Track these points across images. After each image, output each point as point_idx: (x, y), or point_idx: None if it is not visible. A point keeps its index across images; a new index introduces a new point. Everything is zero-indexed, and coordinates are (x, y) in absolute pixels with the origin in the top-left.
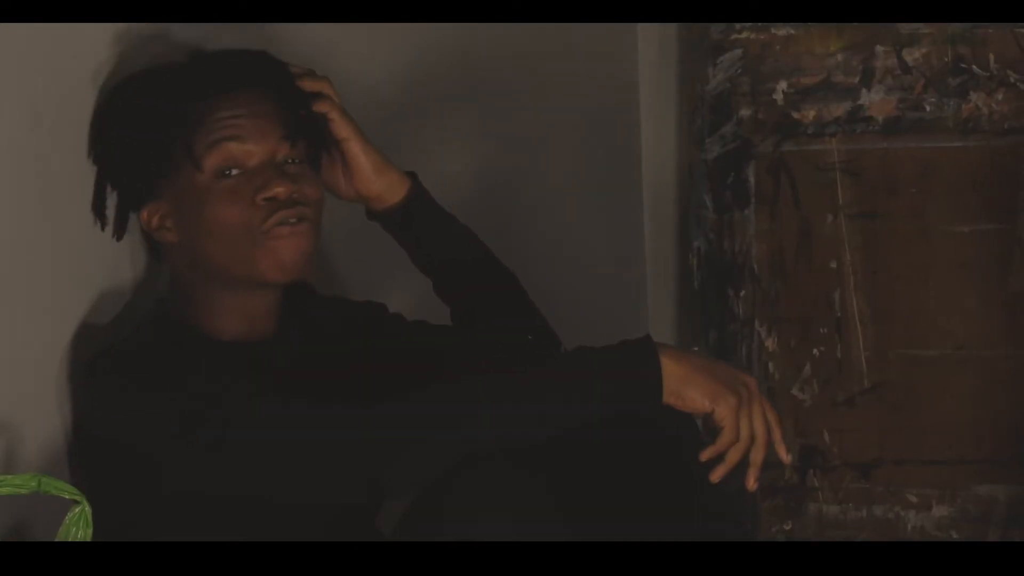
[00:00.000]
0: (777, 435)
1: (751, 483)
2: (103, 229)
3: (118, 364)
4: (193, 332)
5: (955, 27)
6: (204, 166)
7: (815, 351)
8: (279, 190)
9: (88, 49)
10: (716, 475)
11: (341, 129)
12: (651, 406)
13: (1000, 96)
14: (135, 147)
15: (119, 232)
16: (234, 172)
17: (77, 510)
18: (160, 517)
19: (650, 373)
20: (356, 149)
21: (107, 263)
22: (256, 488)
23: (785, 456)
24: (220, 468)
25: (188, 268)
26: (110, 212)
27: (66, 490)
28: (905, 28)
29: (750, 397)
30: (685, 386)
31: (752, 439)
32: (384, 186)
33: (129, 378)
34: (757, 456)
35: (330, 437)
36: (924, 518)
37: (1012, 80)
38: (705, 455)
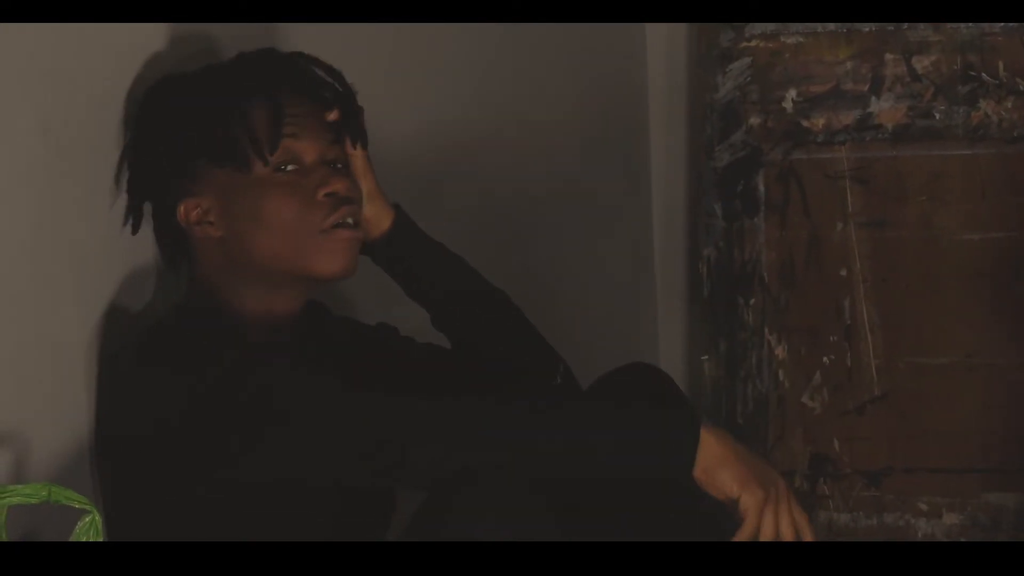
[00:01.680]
0: (807, 537)
1: None
2: (128, 227)
3: (143, 355)
4: (218, 324)
5: (964, 35)
6: (270, 158)
7: (825, 359)
8: (339, 186)
9: (96, 58)
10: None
11: (351, 148)
12: (677, 476)
13: (1009, 104)
14: (183, 140)
15: (135, 225)
16: (290, 167)
17: (87, 519)
18: (181, 511)
19: (687, 446)
20: (358, 170)
21: (121, 269)
22: (284, 470)
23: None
24: (249, 452)
25: (223, 264)
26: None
27: (76, 500)
28: (914, 36)
29: (778, 496)
30: (719, 467)
31: (776, 536)
32: (372, 212)
33: (154, 368)
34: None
35: (361, 417)
36: (934, 526)
37: (1021, 88)
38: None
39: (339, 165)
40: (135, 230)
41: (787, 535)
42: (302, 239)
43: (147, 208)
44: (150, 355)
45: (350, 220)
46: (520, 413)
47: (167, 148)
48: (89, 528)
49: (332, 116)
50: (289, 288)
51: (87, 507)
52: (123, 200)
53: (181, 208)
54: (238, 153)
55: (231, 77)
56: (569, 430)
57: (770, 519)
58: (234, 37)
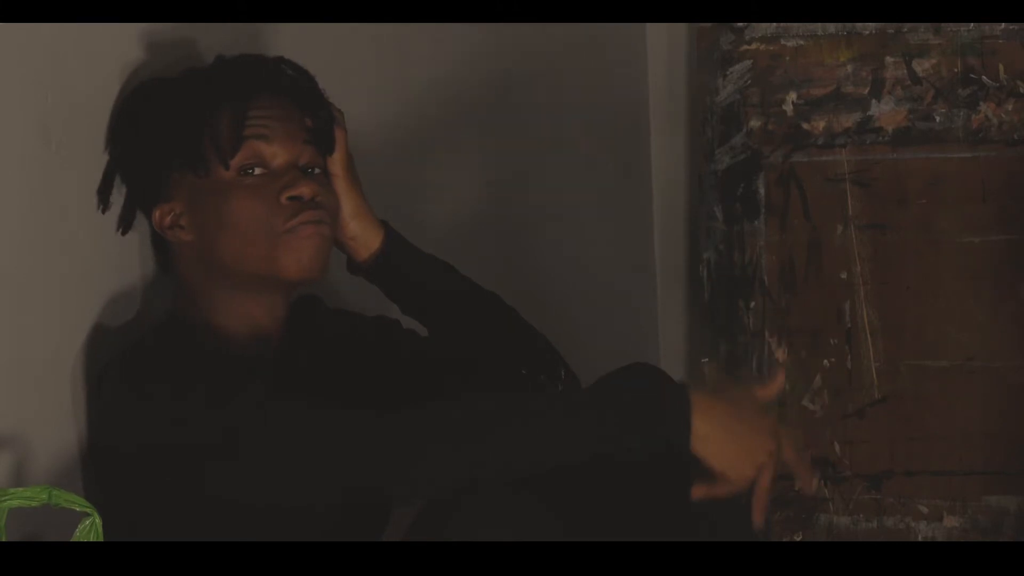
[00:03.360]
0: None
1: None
2: (120, 231)
3: (127, 373)
4: (201, 338)
5: (964, 38)
6: (231, 163)
7: (825, 362)
8: (304, 190)
9: (95, 58)
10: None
11: (335, 164)
12: (676, 453)
13: (1010, 107)
14: (155, 145)
15: (125, 227)
16: (257, 171)
17: (88, 522)
18: (171, 523)
19: (680, 429)
20: (341, 188)
21: (116, 272)
22: (264, 492)
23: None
24: (230, 473)
25: (199, 269)
26: (117, 208)
27: (76, 502)
28: (914, 39)
29: (769, 463)
30: (709, 454)
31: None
32: (358, 229)
33: (137, 387)
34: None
35: (339, 443)
36: (935, 529)
37: (1022, 90)
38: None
39: (315, 171)
40: (125, 231)
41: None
42: (263, 241)
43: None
44: (131, 376)
45: (315, 220)
46: (511, 413)
47: (141, 154)
48: (89, 531)
49: (308, 122)
50: (265, 293)
51: (87, 510)
52: (117, 202)
53: (156, 213)
54: (198, 158)
55: (203, 82)
56: (566, 422)
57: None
58: (235, 38)
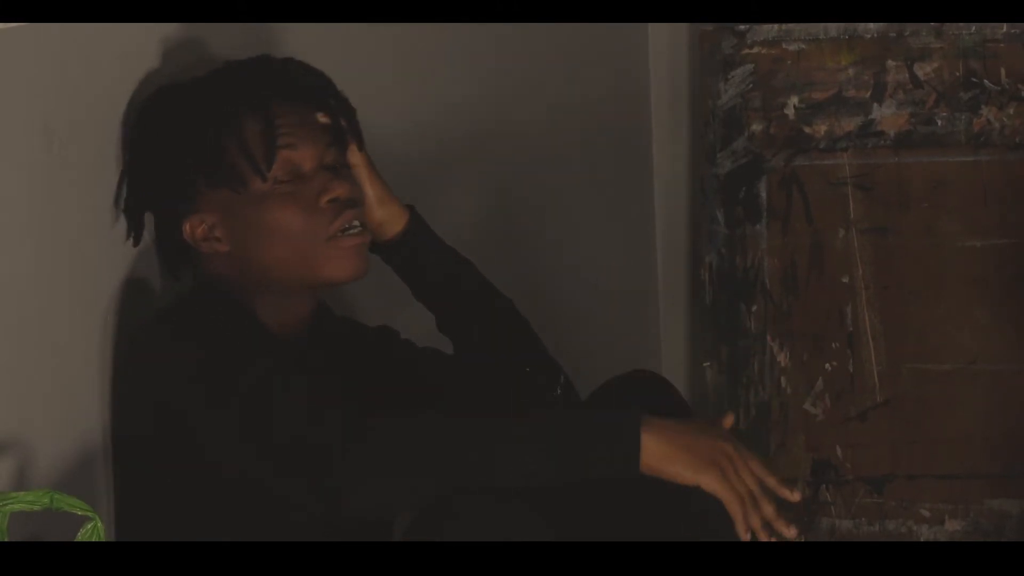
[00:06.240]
0: (771, 482)
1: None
2: (133, 242)
3: (163, 325)
4: (233, 310)
5: (966, 41)
6: (268, 175)
7: (827, 366)
8: (341, 191)
9: (99, 59)
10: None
11: (354, 155)
12: (626, 476)
13: (1012, 110)
14: (179, 161)
15: (137, 237)
16: (290, 177)
17: (89, 526)
18: (184, 512)
19: (629, 451)
20: (363, 177)
21: (119, 274)
22: (247, 460)
23: (791, 495)
24: (231, 432)
25: (233, 276)
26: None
27: (78, 506)
28: (916, 42)
29: (731, 461)
30: (666, 463)
31: (750, 496)
32: (384, 216)
33: (176, 335)
34: (767, 510)
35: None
36: (937, 532)
37: (1023, 94)
38: (744, 536)
39: (339, 168)
40: (136, 243)
41: (754, 489)
42: (309, 248)
43: (148, 216)
44: (169, 326)
45: (356, 223)
46: (455, 434)
47: (165, 169)
48: (91, 535)
49: (324, 119)
50: (299, 294)
51: (89, 514)
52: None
53: (186, 226)
54: (235, 174)
55: (222, 91)
56: (511, 445)
57: (738, 484)
58: (234, 38)
